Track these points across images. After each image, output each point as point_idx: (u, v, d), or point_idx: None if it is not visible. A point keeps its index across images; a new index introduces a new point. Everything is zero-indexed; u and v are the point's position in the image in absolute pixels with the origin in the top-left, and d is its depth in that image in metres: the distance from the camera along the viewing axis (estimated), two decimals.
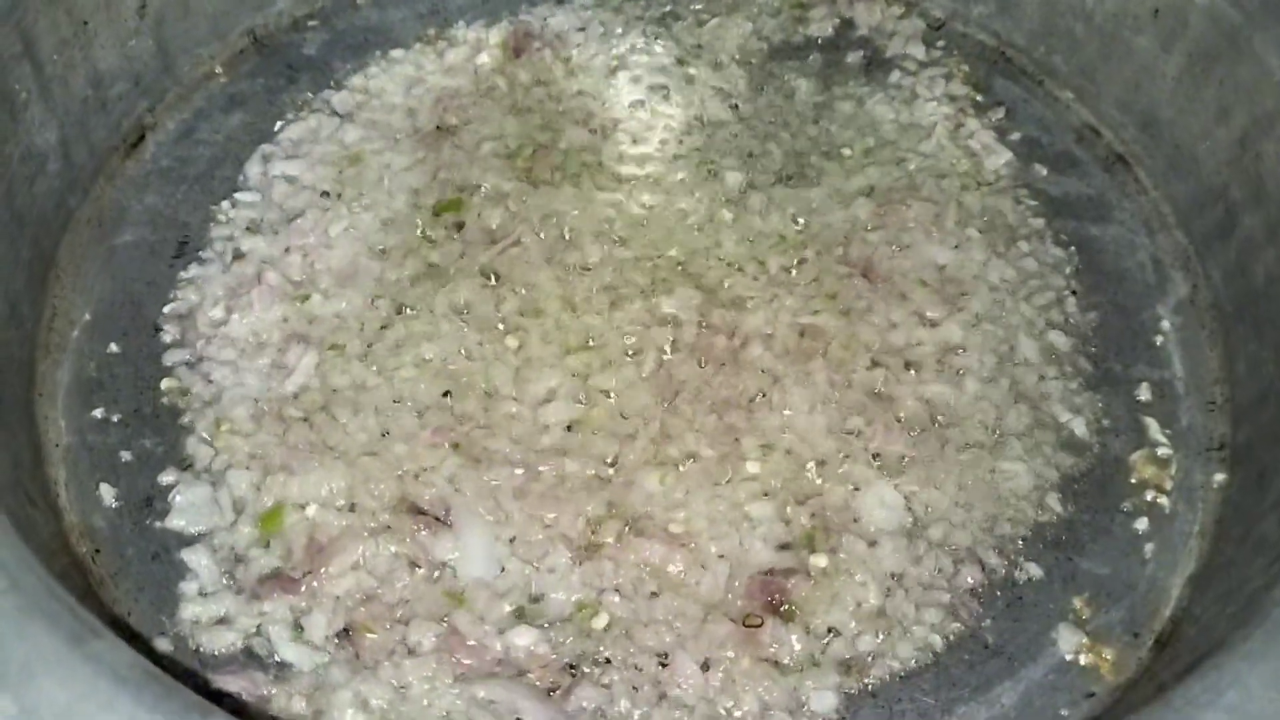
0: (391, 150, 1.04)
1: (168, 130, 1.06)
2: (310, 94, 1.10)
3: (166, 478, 0.84)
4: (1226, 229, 0.97)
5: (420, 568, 0.79)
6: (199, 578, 0.79)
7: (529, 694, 0.74)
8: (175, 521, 0.82)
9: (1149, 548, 0.85)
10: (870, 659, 0.77)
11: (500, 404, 0.87)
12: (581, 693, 0.74)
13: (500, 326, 0.91)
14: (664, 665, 0.76)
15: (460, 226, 0.98)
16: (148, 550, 0.81)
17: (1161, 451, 0.90)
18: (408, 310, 0.92)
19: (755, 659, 0.76)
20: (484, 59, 1.13)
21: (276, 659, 0.76)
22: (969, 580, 0.81)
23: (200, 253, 0.97)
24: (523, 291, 0.94)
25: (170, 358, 0.90)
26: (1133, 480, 0.88)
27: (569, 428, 0.86)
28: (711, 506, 0.83)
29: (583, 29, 1.15)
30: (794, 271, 0.97)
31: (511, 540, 0.81)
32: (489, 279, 0.95)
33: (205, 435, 0.86)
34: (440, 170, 1.02)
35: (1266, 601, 0.68)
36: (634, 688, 0.75)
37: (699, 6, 1.19)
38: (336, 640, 0.76)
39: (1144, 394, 0.93)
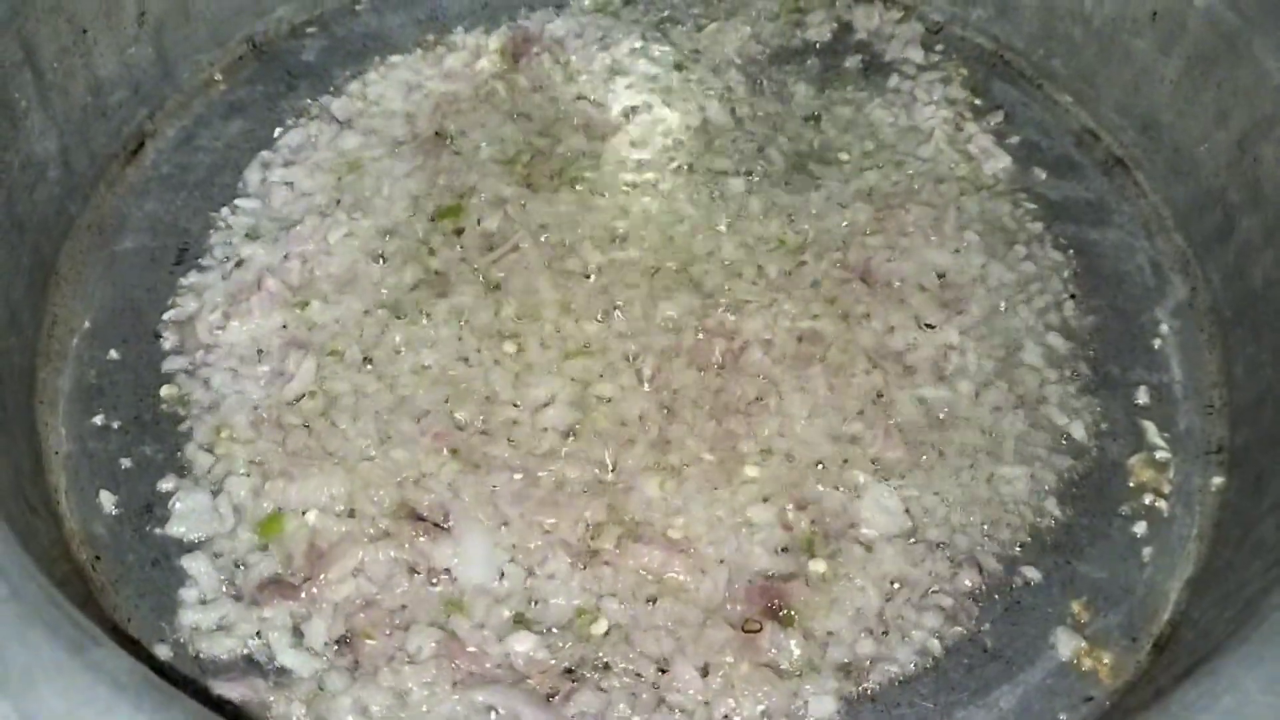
0: (390, 156, 1.04)
1: (168, 137, 1.07)
2: (309, 100, 1.10)
3: (166, 484, 0.84)
4: (1225, 232, 0.97)
5: (420, 573, 0.80)
6: (199, 584, 0.79)
7: (528, 700, 0.74)
8: (175, 528, 0.82)
9: (1147, 551, 0.85)
10: (869, 663, 0.78)
11: (499, 409, 0.87)
12: (581, 698, 0.74)
13: (499, 332, 0.92)
14: (663, 671, 0.76)
15: (459, 232, 0.99)
16: (148, 557, 0.81)
17: (1160, 455, 0.90)
18: (407, 316, 0.92)
19: (754, 664, 0.76)
20: (483, 64, 1.13)
21: (276, 665, 0.76)
22: (968, 584, 0.81)
23: (200, 260, 0.97)
24: (522, 297, 0.94)
25: (170, 365, 0.91)
26: (1131, 484, 0.88)
27: (568, 433, 0.87)
28: (710, 512, 0.83)
29: (581, 34, 1.16)
30: (793, 276, 0.97)
31: (511, 546, 0.81)
32: (488, 285, 0.95)
33: (205, 442, 0.86)
34: (439, 176, 1.02)
35: (1264, 605, 0.68)
36: (633, 693, 0.75)
37: (697, 11, 1.19)
38: (336, 646, 0.77)
39: (1142, 397, 0.93)
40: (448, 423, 0.86)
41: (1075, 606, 0.82)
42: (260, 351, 0.91)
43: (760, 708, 0.75)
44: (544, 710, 0.74)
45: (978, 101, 1.13)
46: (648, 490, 0.83)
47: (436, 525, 0.81)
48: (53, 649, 0.57)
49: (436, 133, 1.06)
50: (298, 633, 0.77)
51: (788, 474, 0.85)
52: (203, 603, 0.79)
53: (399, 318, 0.92)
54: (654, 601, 0.79)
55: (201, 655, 0.77)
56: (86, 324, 0.93)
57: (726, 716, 0.75)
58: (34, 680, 0.56)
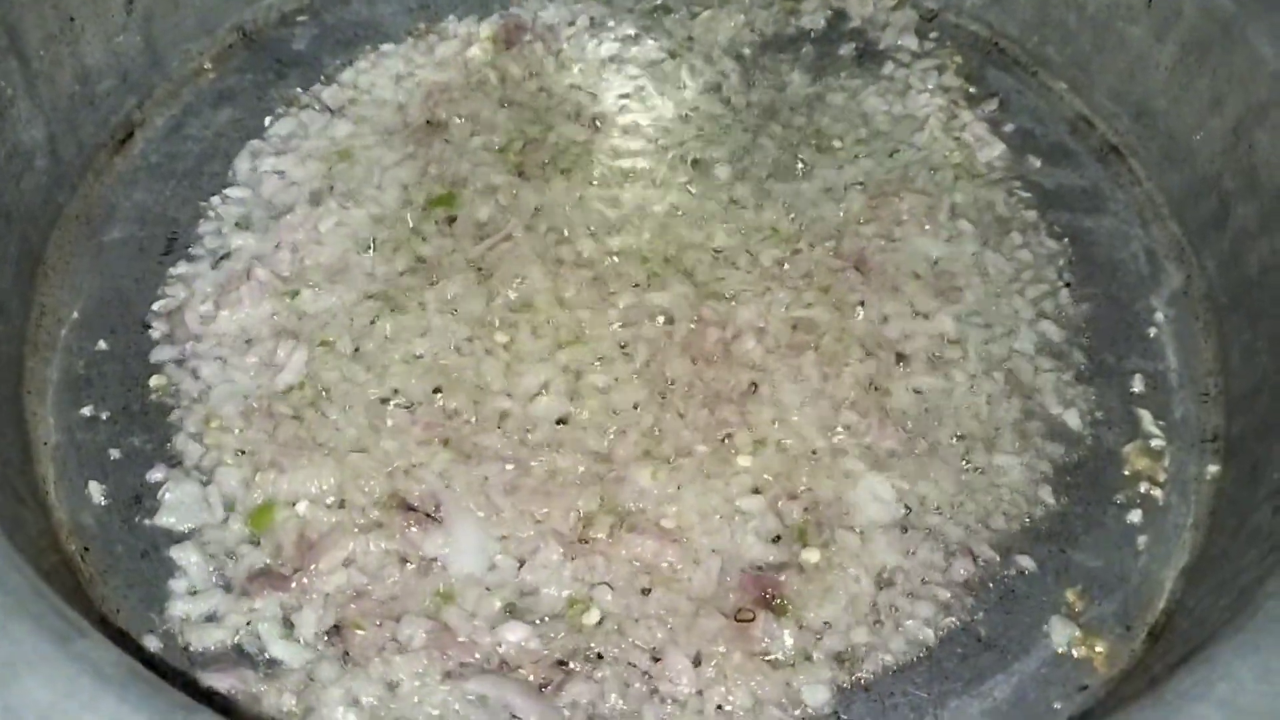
0: (382, 145, 1.04)
1: (156, 126, 1.06)
2: (300, 89, 1.09)
3: (155, 475, 0.83)
4: (1220, 219, 0.97)
5: (410, 564, 0.79)
6: (188, 575, 0.79)
7: (520, 690, 0.73)
8: (164, 519, 0.82)
9: (1142, 540, 0.84)
10: (863, 653, 0.77)
11: (491, 399, 0.87)
12: (573, 688, 0.74)
13: (491, 321, 0.91)
14: (656, 660, 0.76)
15: (451, 221, 0.98)
16: (137, 548, 0.81)
17: (1155, 443, 0.89)
18: (398, 306, 0.92)
19: (747, 654, 0.76)
20: (474, 52, 1.12)
21: (266, 656, 0.75)
22: (961, 573, 0.81)
23: (189, 249, 0.97)
24: (514, 286, 0.93)
25: (159, 355, 0.90)
26: (1126, 472, 0.88)
27: (560, 423, 0.86)
28: (703, 501, 0.82)
29: (573, 22, 1.15)
30: (786, 264, 0.96)
31: (502, 536, 0.80)
32: (480, 274, 0.94)
33: (194, 432, 0.85)
34: (431, 165, 1.02)
35: (1259, 594, 0.67)
36: (625, 683, 0.75)
37: None
38: (327, 637, 0.76)
39: (1137, 386, 0.92)
40: (439, 413, 0.86)
41: (1070, 595, 0.81)
42: (250, 341, 0.90)
43: (753, 698, 0.75)
44: (536, 700, 0.73)
45: (972, 89, 1.13)
46: (640, 480, 0.83)
47: (428, 515, 0.81)
48: (37, 640, 0.57)
49: (428, 121, 1.06)
50: (288, 624, 0.77)
51: (781, 463, 0.84)
52: (192, 594, 0.78)
53: (390, 307, 0.92)
54: (646, 591, 0.78)
55: (191, 646, 0.76)
56: (75, 314, 0.92)
57: (719, 706, 0.74)
58: (17, 672, 0.55)
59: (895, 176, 1.03)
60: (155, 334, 0.91)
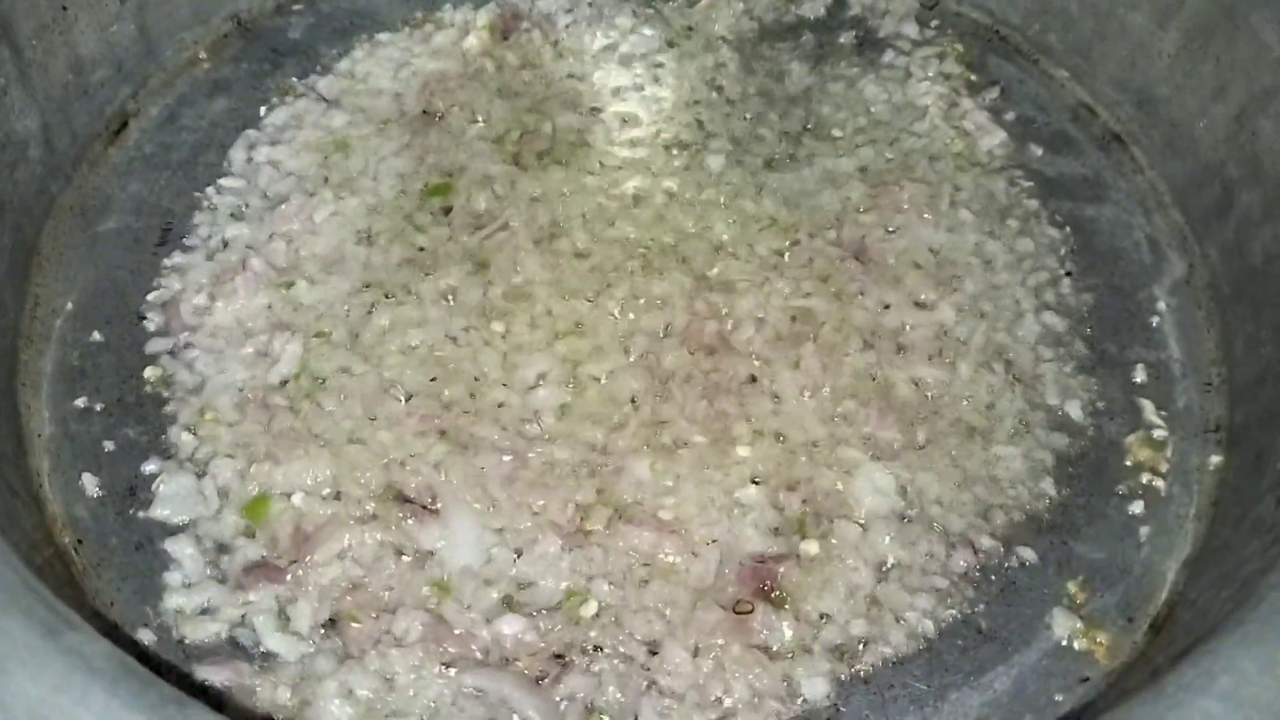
0: (378, 135, 1.03)
1: (151, 116, 1.05)
2: (295, 79, 1.08)
3: (150, 467, 0.83)
4: (1223, 207, 0.96)
5: (407, 556, 0.79)
6: (183, 568, 0.78)
7: (517, 683, 0.73)
8: (159, 511, 0.81)
9: (1144, 531, 0.84)
10: (862, 645, 0.77)
11: (488, 390, 0.86)
12: (570, 681, 0.73)
13: (488, 312, 0.90)
14: (653, 653, 0.75)
15: (447, 211, 0.97)
16: (131, 540, 0.80)
17: (1157, 434, 0.89)
18: (394, 296, 0.91)
19: (746, 646, 0.75)
20: (471, 42, 1.11)
21: (261, 649, 0.75)
22: (962, 565, 0.80)
23: (184, 240, 0.96)
24: (511, 276, 0.93)
25: (154, 346, 0.89)
26: (1128, 463, 0.87)
27: (558, 414, 0.85)
28: (702, 492, 0.82)
29: (571, 10, 1.14)
30: (785, 254, 0.95)
31: (499, 528, 0.80)
32: (477, 264, 0.93)
33: (189, 424, 0.85)
34: (427, 155, 1.01)
35: (1262, 585, 0.67)
36: (623, 676, 0.74)
37: None
38: (322, 630, 0.76)
39: (1140, 376, 0.92)
40: (435, 404, 0.85)
41: (1071, 587, 0.81)
42: (245, 332, 0.90)
43: (752, 690, 0.74)
44: (533, 693, 0.73)
45: (973, 77, 1.12)
46: (638, 471, 0.82)
47: (424, 507, 0.80)
48: (26, 634, 0.56)
49: (424, 111, 1.05)
50: (283, 616, 0.76)
51: (780, 454, 0.84)
52: (187, 586, 0.78)
53: (386, 298, 0.91)
54: (644, 583, 0.78)
55: (186, 640, 0.76)
56: (69, 305, 0.92)
57: (717, 699, 0.74)
58: (6, 666, 0.54)
59: (895, 165, 1.03)
60: (150, 325, 0.91)
